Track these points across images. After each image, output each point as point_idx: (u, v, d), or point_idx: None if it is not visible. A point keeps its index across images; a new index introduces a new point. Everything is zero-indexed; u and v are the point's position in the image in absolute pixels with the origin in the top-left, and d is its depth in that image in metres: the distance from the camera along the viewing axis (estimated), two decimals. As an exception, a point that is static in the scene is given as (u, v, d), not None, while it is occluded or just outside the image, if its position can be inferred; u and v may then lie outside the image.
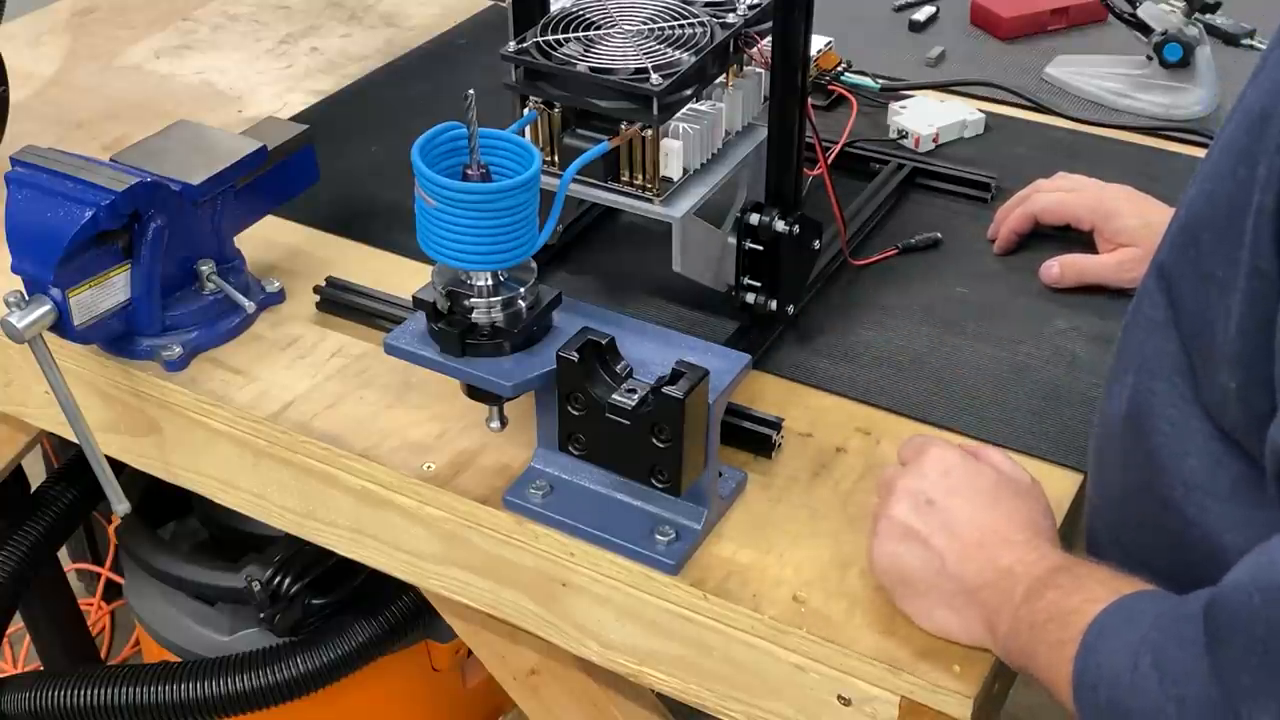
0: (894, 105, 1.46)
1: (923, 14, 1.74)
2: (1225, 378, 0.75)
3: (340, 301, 1.21)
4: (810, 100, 1.09)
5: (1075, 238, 1.26)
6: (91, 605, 2.31)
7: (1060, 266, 1.22)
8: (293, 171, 1.26)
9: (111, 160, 1.13)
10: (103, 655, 2.23)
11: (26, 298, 1.08)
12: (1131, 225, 1.21)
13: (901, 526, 0.89)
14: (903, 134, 1.45)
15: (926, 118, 1.46)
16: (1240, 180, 0.72)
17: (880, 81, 1.50)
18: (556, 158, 1.08)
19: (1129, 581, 0.77)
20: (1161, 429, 0.80)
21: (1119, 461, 0.87)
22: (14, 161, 1.10)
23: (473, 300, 0.95)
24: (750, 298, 1.15)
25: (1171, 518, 0.80)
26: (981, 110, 1.51)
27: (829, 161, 1.18)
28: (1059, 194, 1.27)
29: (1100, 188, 1.26)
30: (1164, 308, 0.81)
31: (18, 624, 1.87)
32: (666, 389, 0.88)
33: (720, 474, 0.99)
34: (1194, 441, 0.79)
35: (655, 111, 1.02)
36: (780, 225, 1.10)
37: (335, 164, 1.37)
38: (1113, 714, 0.72)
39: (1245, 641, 0.65)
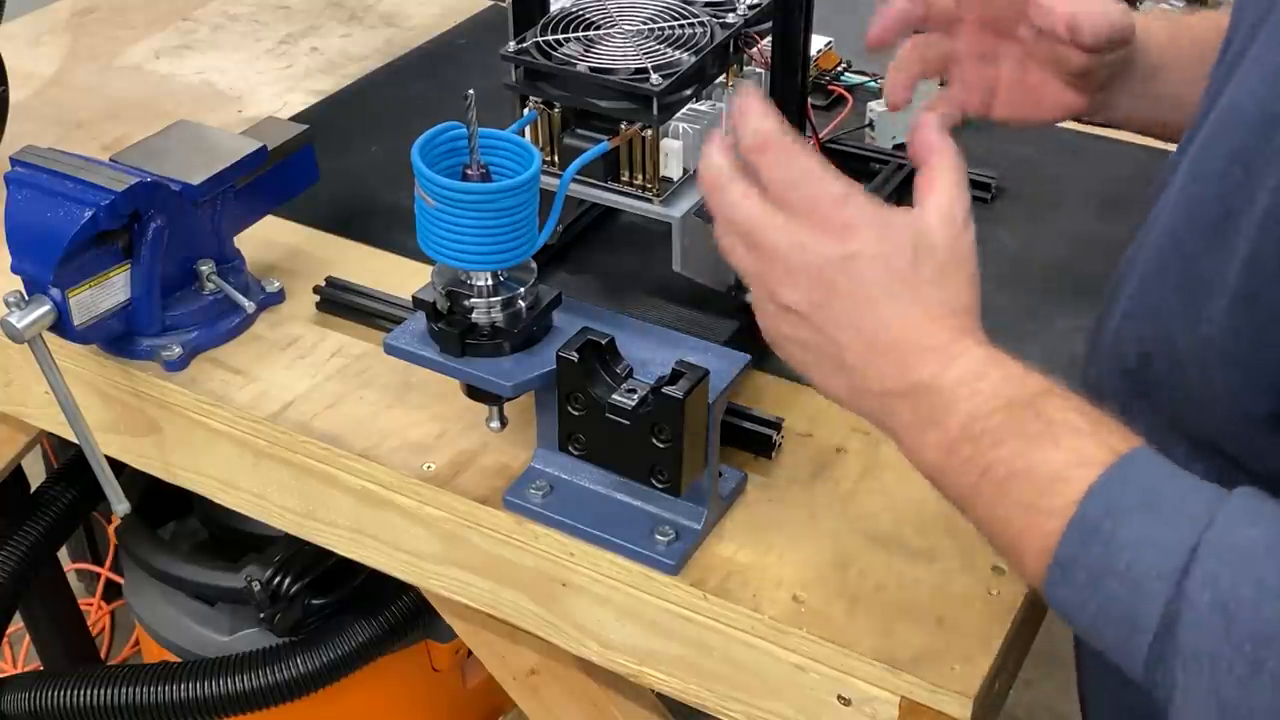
0: (872, 103, 1.46)
1: (923, 14, 1.74)
2: (1197, 374, 0.69)
3: (340, 301, 1.21)
4: (810, 100, 1.09)
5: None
6: (91, 605, 2.31)
7: (1096, 14, 0.88)
8: (293, 171, 1.26)
9: (111, 160, 1.13)
10: (103, 655, 2.23)
11: (26, 298, 1.08)
12: None
13: (790, 311, 0.74)
14: (871, 124, 1.44)
15: (900, 118, 1.44)
16: (1236, 181, 0.66)
17: (880, 82, 1.50)
18: (556, 158, 1.08)
19: (1117, 432, 0.66)
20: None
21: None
22: (14, 161, 1.10)
23: (473, 300, 0.95)
24: (750, 297, 1.15)
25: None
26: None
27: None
28: None
29: None
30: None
31: (18, 624, 1.87)
32: (666, 389, 0.88)
33: (720, 474, 0.99)
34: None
35: (655, 111, 1.02)
36: (780, 225, 1.10)
37: (335, 164, 1.37)
38: (1125, 624, 0.60)
39: None
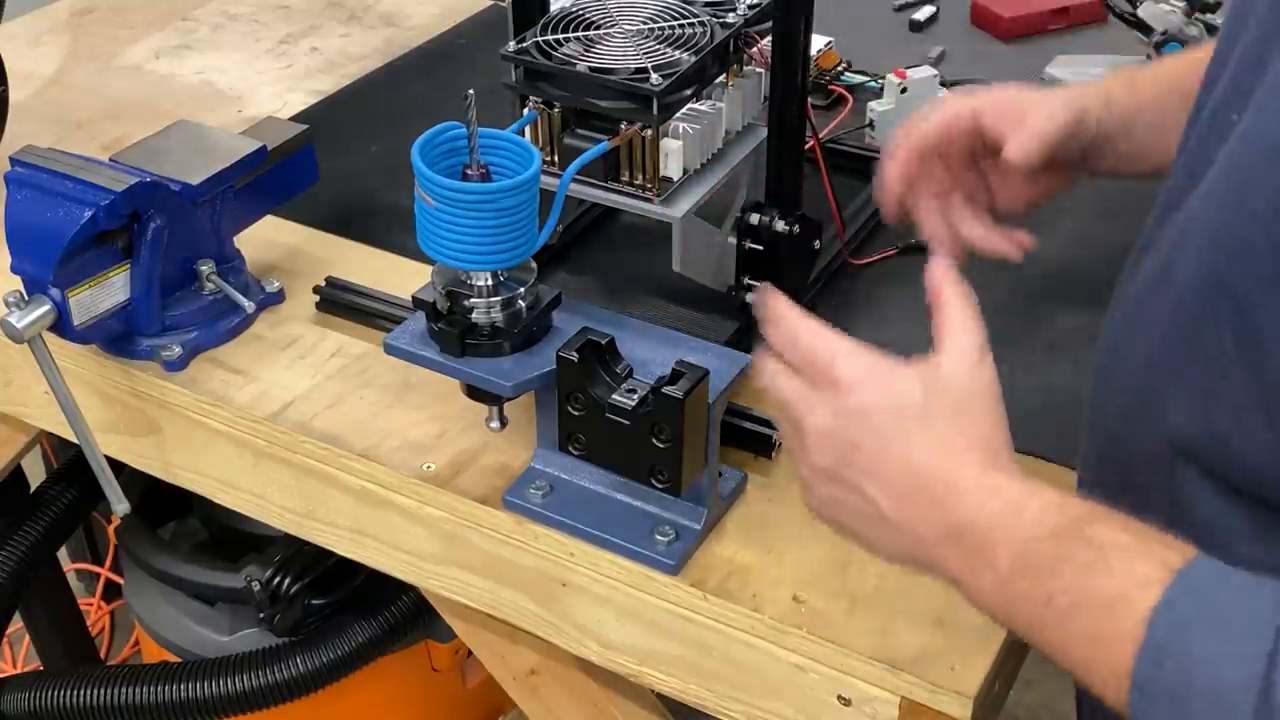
0: (872, 103, 1.46)
1: (923, 14, 1.74)
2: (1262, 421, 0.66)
3: (340, 301, 1.21)
4: (810, 100, 1.09)
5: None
6: (91, 605, 2.31)
7: (1018, 145, 0.97)
8: (293, 171, 1.26)
9: (111, 160, 1.13)
10: (103, 655, 2.23)
11: (26, 298, 1.08)
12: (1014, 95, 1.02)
13: (825, 476, 0.76)
14: (871, 124, 1.45)
15: (899, 118, 1.44)
16: None
17: (880, 82, 1.50)
18: (556, 158, 1.08)
19: (1165, 544, 0.65)
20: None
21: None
22: (14, 161, 1.10)
23: (473, 300, 0.95)
24: (750, 298, 1.15)
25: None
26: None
27: (808, 152, 1.17)
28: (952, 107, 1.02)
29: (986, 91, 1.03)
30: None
31: (18, 624, 1.87)
32: (666, 389, 0.88)
33: (720, 474, 0.99)
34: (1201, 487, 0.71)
35: (655, 111, 1.02)
36: (780, 225, 1.10)
37: (335, 164, 1.37)
38: None
39: None
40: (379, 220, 1.34)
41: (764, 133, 1.11)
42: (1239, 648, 0.60)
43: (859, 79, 1.54)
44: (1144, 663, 0.62)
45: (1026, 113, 0.98)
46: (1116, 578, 0.64)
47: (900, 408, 0.74)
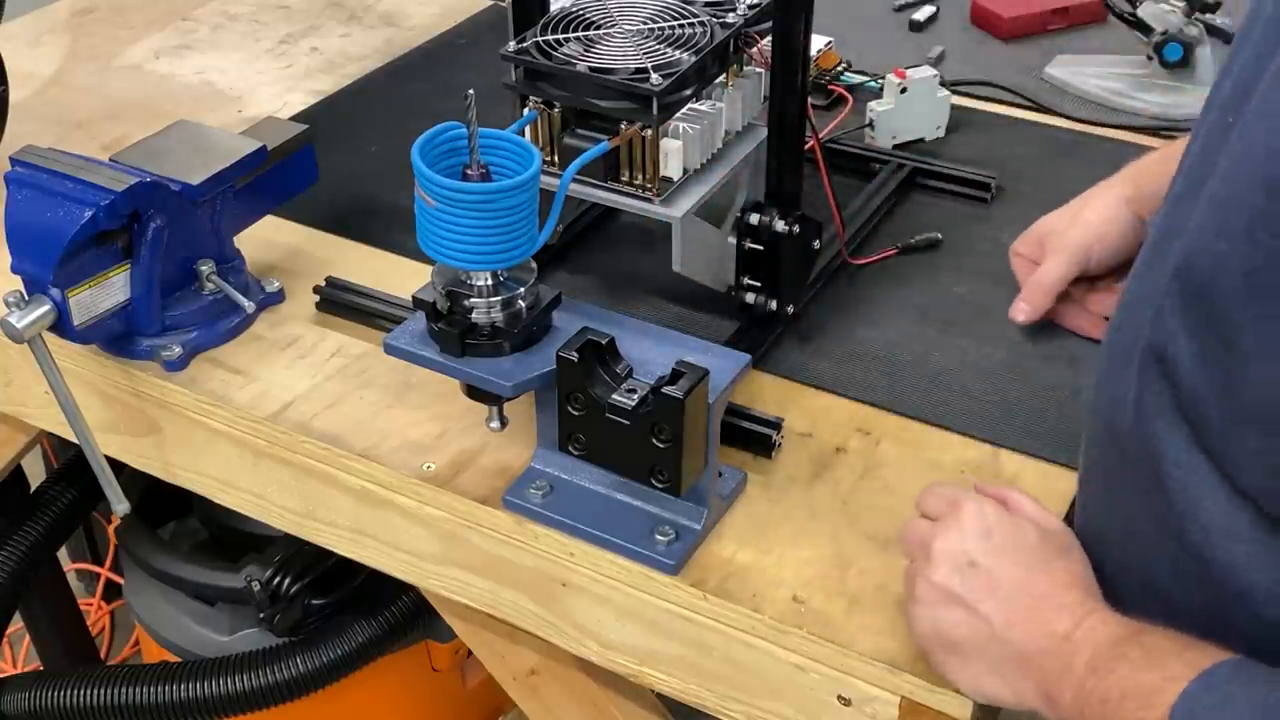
0: (872, 103, 1.46)
1: (923, 14, 1.74)
2: (1250, 442, 0.71)
3: (340, 301, 1.21)
4: (810, 100, 1.09)
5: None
6: (91, 605, 2.31)
7: (1024, 300, 1.16)
8: (293, 171, 1.26)
9: (111, 160, 1.13)
10: (103, 655, 2.23)
11: (26, 298, 1.08)
12: (1039, 223, 1.18)
13: (943, 591, 0.84)
14: (871, 124, 1.45)
15: (899, 118, 1.45)
16: (1266, 248, 0.67)
17: (880, 82, 1.50)
18: (556, 158, 1.08)
19: (1202, 650, 0.73)
20: (1170, 472, 0.76)
21: (1120, 487, 0.83)
22: (14, 161, 1.10)
23: (473, 300, 0.95)
24: (750, 298, 1.15)
25: (1189, 558, 0.77)
26: (979, 110, 1.52)
27: (808, 152, 1.17)
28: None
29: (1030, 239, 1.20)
30: (1161, 357, 0.76)
31: (18, 624, 1.87)
32: (666, 389, 0.88)
33: (720, 474, 0.99)
34: (1205, 486, 0.75)
35: (655, 111, 1.02)
36: (780, 225, 1.10)
37: (335, 164, 1.37)
38: None
39: None
40: (379, 220, 1.34)
41: (764, 133, 1.11)
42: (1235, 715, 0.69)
43: (859, 79, 1.54)
44: None
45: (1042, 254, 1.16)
46: (1154, 673, 0.73)
47: (1017, 536, 0.85)
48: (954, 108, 1.48)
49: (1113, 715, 0.74)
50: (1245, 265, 0.68)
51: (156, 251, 1.12)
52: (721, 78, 1.11)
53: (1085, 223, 1.14)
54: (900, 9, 1.77)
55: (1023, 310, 1.16)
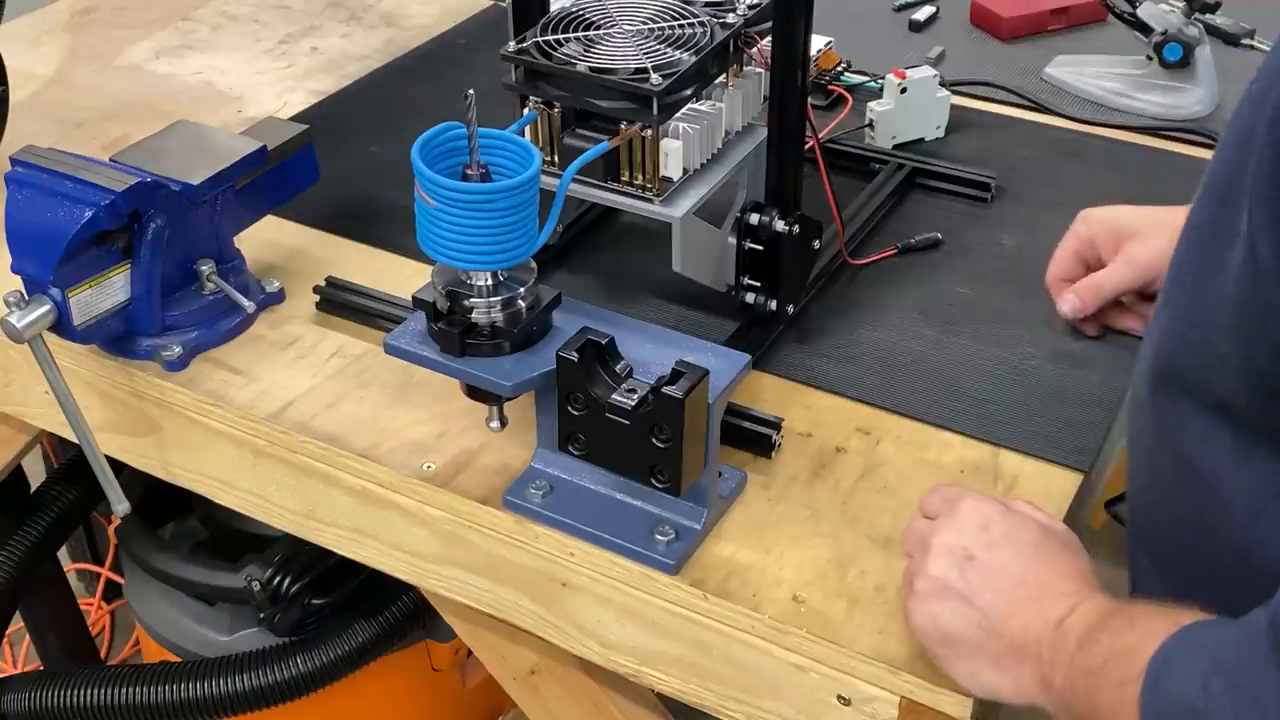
0: (872, 104, 1.46)
1: (923, 14, 1.74)
2: (1223, 348, 0.75)
3: (340, 301, 1.21)
4: (810, 100, 1.09)
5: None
6: (91, 605, 2.31)
7: (1077, 294, 1.15)
8: (293, 171, 1.26)
9: (111, 160, 1.13)
10: (103, 655, 2.22)
11: (26, 298, 1.08)
12: (1127, 216, 1.16)
13: (941, 585, 0.84)
14: (871, 124, 1.45)
15: (899, 118, 1.45)
16: (1238, 161, 0.71)
17: (880, 82, 1.50)
18: (556, 158, 1.08)
19: (1186, 612, 0.74)
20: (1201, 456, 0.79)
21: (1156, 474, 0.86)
22: (14, 161, 1.10)
23: (473, 300, 0.95)
24: (750, 298, 1.15)
25: (1224, 549, 0.79)
26: (979, 110, 1.52)
27: (808, 152, 1.18)
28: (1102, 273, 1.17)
29: (1088, 223, 1.18)
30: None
31: (18, 624, 1.87)
32: (666, 389, 0.88)
33: (720, 474, 0.99)
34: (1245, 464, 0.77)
35: (655, 111, 1.02)
36: (780, 225, 1.10)
37: (335, 164, 1.37)
38: None
39: None
40: (379, 220, 1.34)
41: (764, 133, 1.11)
42: (1194, 668, 0.69)
43: (859, 79, 1.54)
44: (1145, 697, 0.71)
45: (1118, 247, 1.14)
46: (1137, 634, 0.74)
47: (1016, 530, 0.86)
48: (954, 108, 1.48)
49: (1096, 684, 0.75)
50: None
51: (156, 251, 1.12)
52: (721, 78, 1.11)
53: (1164, 250, 1.10)
54: (900, 9, 1.77)
55: (1071, 304, 1.15)
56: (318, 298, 1.22)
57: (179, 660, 1.55)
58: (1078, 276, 1.16)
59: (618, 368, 0.93)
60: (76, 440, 1.15)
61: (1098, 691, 0.75)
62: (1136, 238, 1.14)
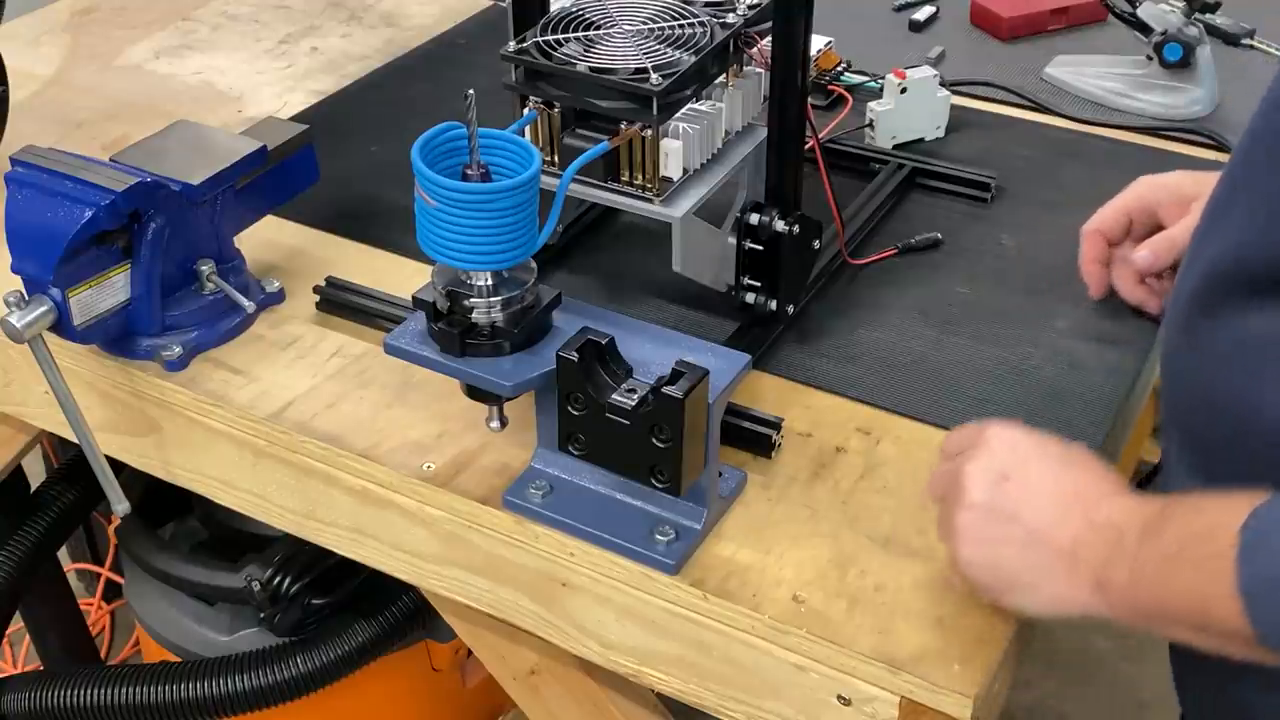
0: (872, 104, 1.46)
1: (923, 14, 1.74)
2: None
3: (340, 301, 1.21)
4: (810, 100, 1.09)
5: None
6: (91, 605, 2.31)
7: (1151, 249, 1.15)
8: (293, 171, 1.26)
9: (111, 160, 1.13)
10: (103, 655, 2.23)
11: (26, 298, 1.08)
12: (1188, 180, 1.17)
13: (983, 510, 0.86)
14: (871, 124, 1.45)
15: (899, 118, 1.45)
16: None
17: (880, 82, 1.50)
18: (556, 158, 1.08)
19: (1252, 495, 0.74)
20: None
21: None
22: (14, 161, 1.10)
23: (473, 300, 0.95)
24: (750, 298, 1.15)
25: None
26: (979, 110, 1.52)
27: (808, 152, 1.18)
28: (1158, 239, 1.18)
29: (1150, 187, 1.19)
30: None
31: (18, 624, 1.87)
32: (666, 389, 0.88)
33: (720, 474, 0.99)
34: None
35: (655, 111, 1.02)
36: (780, 225, 1.10)
37: (335, 164, 1.37)
38: None
39: None
40: (379, 220, 1.34)
41: (764, 133, 1.11)
42: None
43: (859, 79, 1.54)
44: (1245, 566, 0.71)
45: (1185, 209, 1.14)
46: (1210, 515, 0.75)
47: (1043, 446, 0.88)
48: (954, 108, 1.48)
49: (1173, 568, 0.76)
50: None
51: (156, 251, 1.12)
52: (721, 78, 1.11)
53: None
54: (900, 9, 1.77)
55: (1145, 258, 1.15)
56: (318, 298, 1.22)
57: (179, 660, 1.55)
58: (1115, 236, 1.18)
59: (618, 368, 0.93)
60: (76, 440, 1.15)
61: (1174, 575, 0.75)
62: (1202, 199, 1.15)
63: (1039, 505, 0.84)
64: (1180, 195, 1.15)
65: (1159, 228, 1.16)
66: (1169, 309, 0.92)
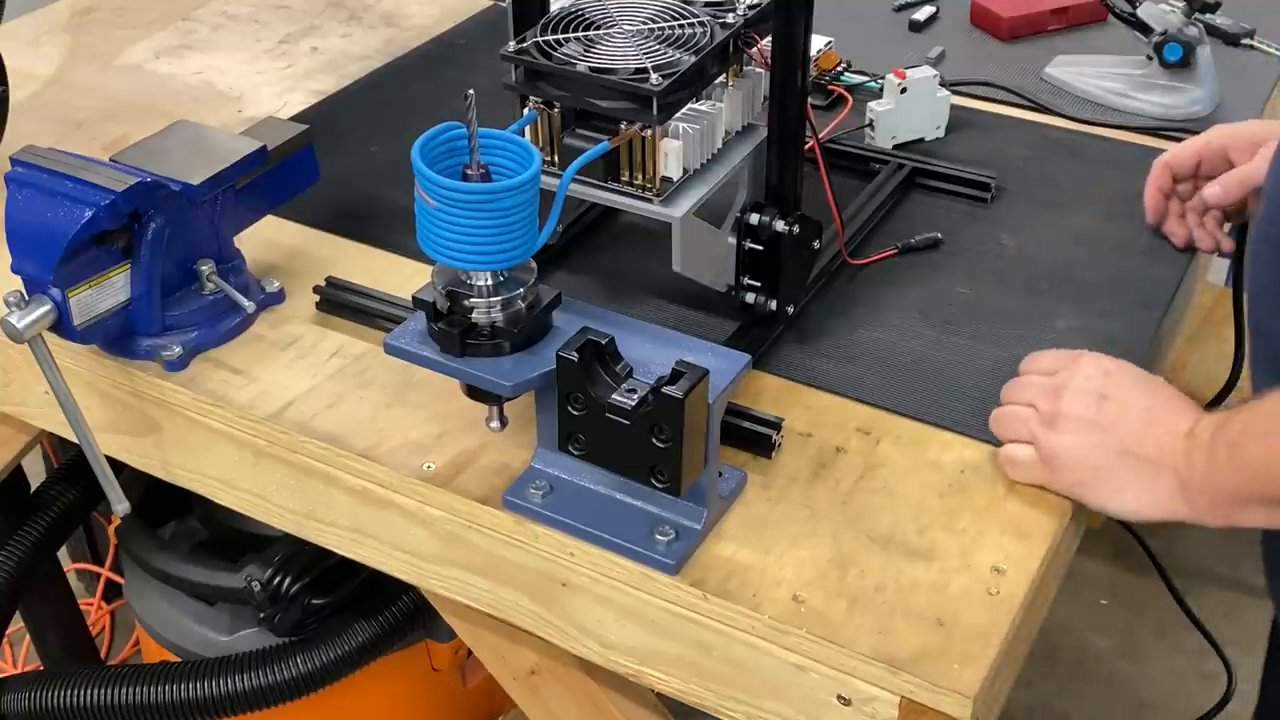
0: (872, 104, 1.46)
1: (923, 14, 1.74)
2: None
3: (340, 301, 1.21)
4: (810, 100, 1.09)
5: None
6: (91, 605, 2.31)
7: (1222, 185, 1.24)
8: (293, 171, 1.26)
9: (111, 160, 1.13)
10: (103, 655, 2.23)
11: (26, 298, 1.08)
12: (1259, 126, 1.27)
13: (1086, 421, 0.98)
14: (871, 124, 1.45)
15: (899, 118, 1.45)
16: None
17: (880, 82, 1.50)
18: (556, 158, 1.08)
19: None
20: None
21: None
22: (14, 161, 1.10)
23: (473, 300, 0.95)
24: (750, 298, 1.15)
25: None
26: (979, 110, 1.52)
27: (808, 152, 1.18)
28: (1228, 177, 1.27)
29: (1217, 136, 1.28)
30: None
31: (18, 624, 1.87)
32: (666, 389, 0.88)
33: (720, 474, 0.99)
34: None
35: (655, 111, 1.02)
36: (780, 225, 1.10)
37: (335, 164, 1.37)
38: None
39: None
40: (379, 220, 1.34)
41: (764, 133, 1.11)
42: None
43: (859, 79, 1.54)
44: None
45: (1253, 150, 1.23)
46: (1271, 401, 0.89)
47: (1132, 376, 1.02)
48: (954, 108, 1.48)
49: (1244, 449, 0.90)
50: None
51: (156, 251, 1.12)
52: (721, 78, 1.11)
53: None
54: (900, 9, 1.77)
55: (1215, 194, 1.24)
56: (318, 298, 1.22)
57: (179, 660, 1.55)
58: (1182, 172, 1.28)
59: (618, 368, 0.93)
60: (76, 440, 1.15)
61: (1244, 455, 0.90)
62: (1271, 143, 1.21)
63: (1131, 421, 0.97)
64: (1252, 139, 1.24)
65: (1227, 169, 1.25)
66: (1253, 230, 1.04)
